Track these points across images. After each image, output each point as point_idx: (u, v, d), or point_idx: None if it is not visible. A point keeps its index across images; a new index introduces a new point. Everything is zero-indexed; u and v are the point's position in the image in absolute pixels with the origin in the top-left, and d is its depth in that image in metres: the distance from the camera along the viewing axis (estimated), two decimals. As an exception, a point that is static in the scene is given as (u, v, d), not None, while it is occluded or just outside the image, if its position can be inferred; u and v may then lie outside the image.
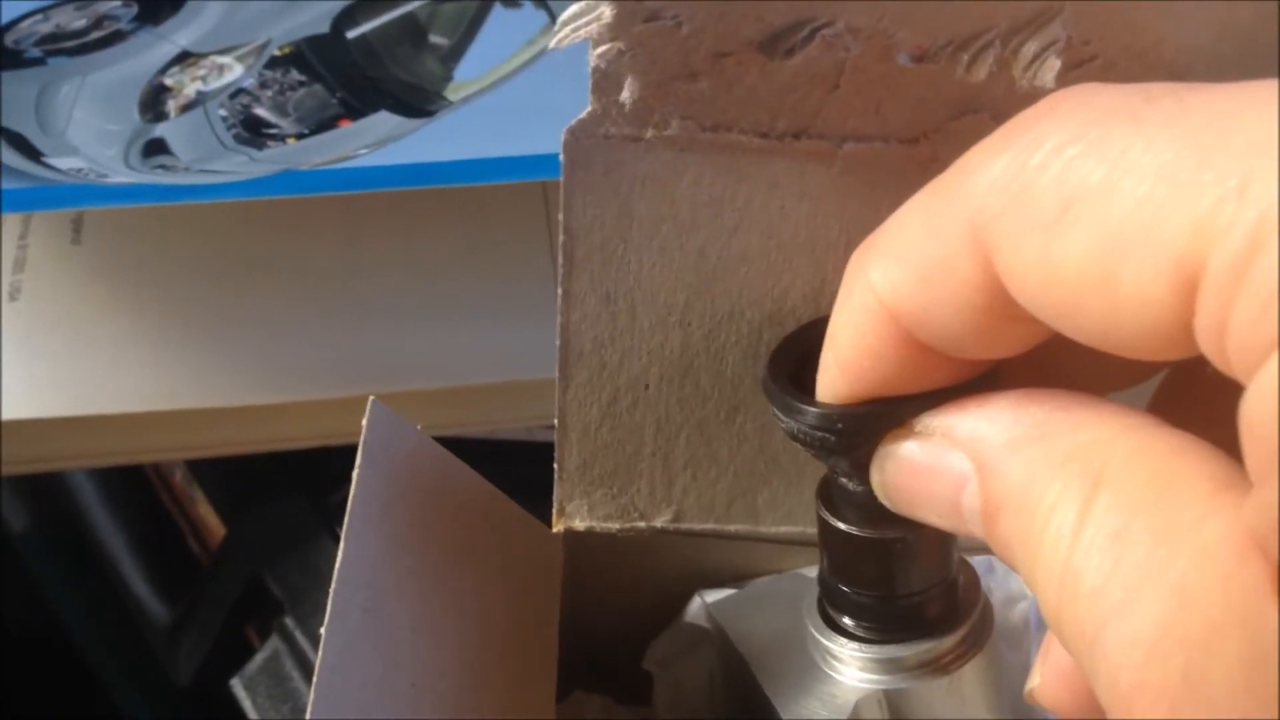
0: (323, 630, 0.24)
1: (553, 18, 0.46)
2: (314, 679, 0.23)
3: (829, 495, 0.25)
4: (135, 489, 0.57)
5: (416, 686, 0.26)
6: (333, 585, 0.24)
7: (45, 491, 0.55)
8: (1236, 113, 0.16)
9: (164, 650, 0.54)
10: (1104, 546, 0.17)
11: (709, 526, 0.31)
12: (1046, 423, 0.19)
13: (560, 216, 0.26)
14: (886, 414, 0.22)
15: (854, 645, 0.26)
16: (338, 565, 0.25)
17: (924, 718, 0.26)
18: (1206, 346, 0.16)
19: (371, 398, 0.26)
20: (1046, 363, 0.22)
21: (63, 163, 0.39)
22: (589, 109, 0.25)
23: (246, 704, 0.44)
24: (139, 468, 0.57)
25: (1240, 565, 0.15)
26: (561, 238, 0.26)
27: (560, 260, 0.26)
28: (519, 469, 0.32)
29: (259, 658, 0.44)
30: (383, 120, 0.41)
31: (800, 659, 0.28)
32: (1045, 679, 0.24)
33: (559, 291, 0.27)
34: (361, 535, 0.25)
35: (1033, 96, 0.24)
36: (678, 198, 0.26)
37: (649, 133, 0.25)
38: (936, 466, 0.21)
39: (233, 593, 0.49)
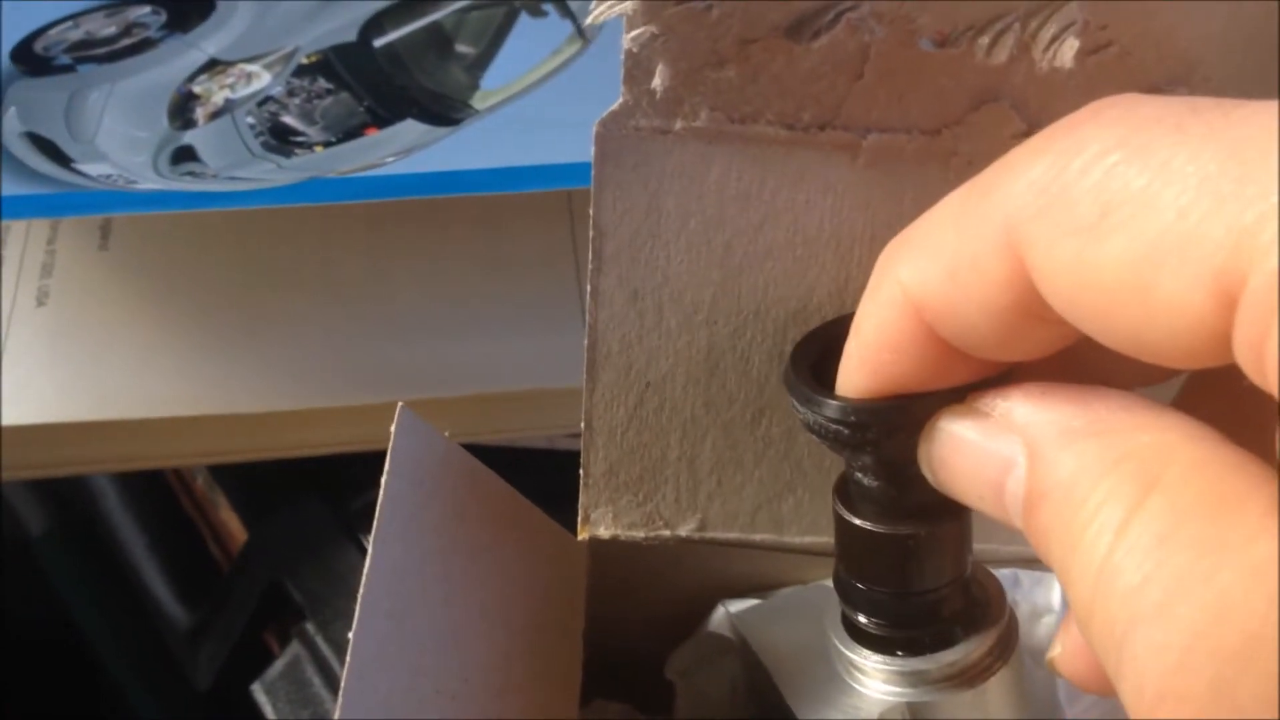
0: (350, 635, 0.24)
1: (578, 27, 0.46)
2: (341, 683, 0.24)
3: (845, 491, 0.25)
4: (156, 493, 0.57)
5: (441, 693, 0.26)
6: (360, 591, 0.24)
7: (66, 495, 0.56)
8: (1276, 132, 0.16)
9: (184, 655, 0.54)
10: (1147, 548, 0.17)
11: (734, 536, 0.31)
12: (1107, 420, 0.19)
13: (590, 211, 0.26)
14: (902, 410, 0.22)
15: (878, 657, 0.26)
16: (365, 571, 0.25)
17: (947, 728, 0.26)
18: (1244, 361, 0.16)
19: (400, 404, 0.26)
20: (1067, 364, 0.22)
21: (92, 169, 0.39)
22: (620, 100, 0.25)
23: (267, 709, 0.44)
24: (160, 471, 0.57)
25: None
26: (591, 233, 0.26)
27: (589, 257, 0.26)
28: (540, 478, 0.32)
29: (280, 663, 0.44)
30: (409, 129, 0.41)
31: (824, 671, 0.28)
32: (1065, 650, 0.24)
33: (587, 289, 0.27)
34: (389, 542, 0.25)
35: (1053, 81, 0.24)
36: (705, 192, 0.26)
37: (678, 124, 0.25)
38: (988, 447, 0.21)
39: (253, 598, 0.49)
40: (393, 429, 0.26)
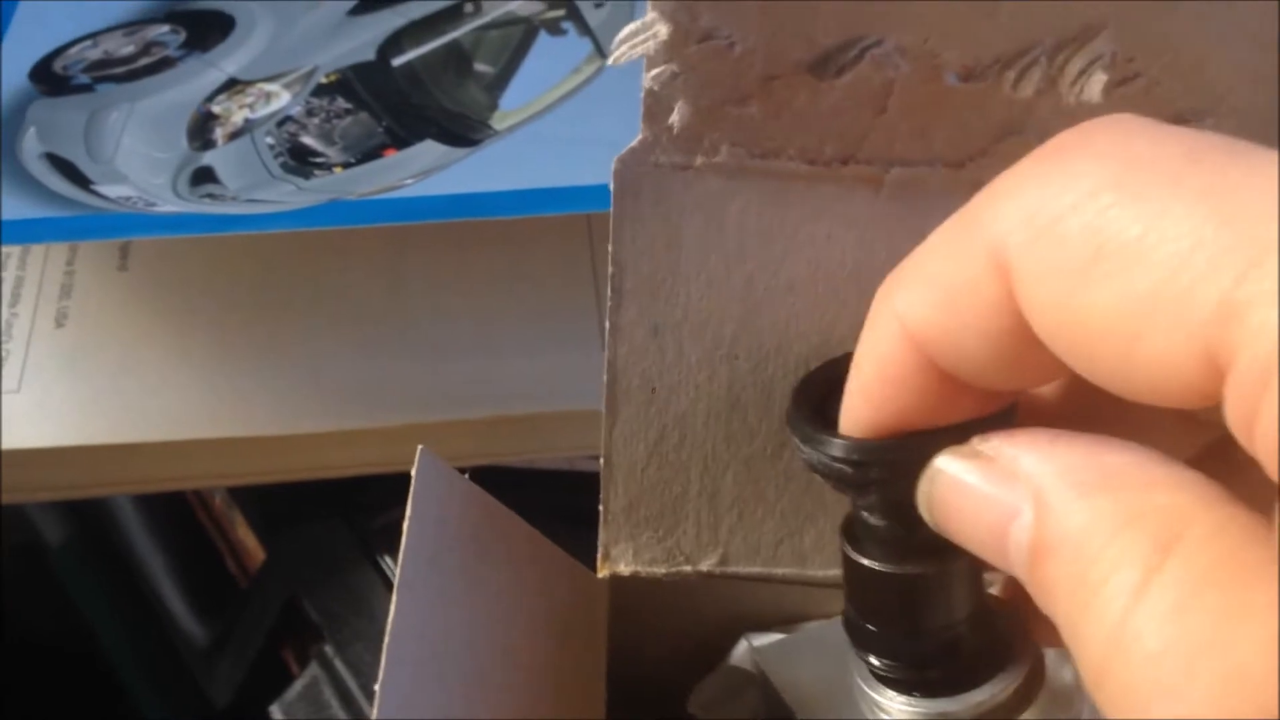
0: (377, 686, 0.24)
1: (597, 45, 0.46)
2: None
3: (852, 531, 0.25)
4: (175, 510, 0.57)
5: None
6: (385, 640, 0.24)
7: (85, 512, 0.56)
8: (1277, 196, 0.16)
9: (202, 671, 0.54)
10: (1166, 615, 0.16)
11: (755, 570, 0.30)
12: (1122, 475, 0.18)
13: (609, 247, 0.26)
14: (906, 448, 0.22)
15: (901, 699, 0.26)
16: (390, 618, 0.24)
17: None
18: (1234, 428, 0.16)
19: (420, 448, 0.26)
20: (1076, 398, 0.22)
21: (111, 190, 0.39)
22: (640, 137, 0.25)
23: (285, 730, 0.44)
24: (179, 490, 0.57)
25: None
26: (610, 269, 0.26)
27: (609, 292, 0.26)
28: (560, 499, 0.32)
29: (298, 685, 0.44)
30: (428, 149, 0.41)
31: (847, 710, 0.27)
32: None
33: (607, 325, 0.27)
34: (413, 587, 0.25)
35: (1079, 116, 0.24)
36: (726, 227, 0.26)
37: (698, 160, 0.25)
38: (992, 493, 0.20)
39: (270, 616, 0.50)
40: (413, 472, 0.26)
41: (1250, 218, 0.16)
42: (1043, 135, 0.24)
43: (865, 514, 0.24)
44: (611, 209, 0.26)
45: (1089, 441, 0.19)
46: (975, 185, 0.25)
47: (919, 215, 0.25)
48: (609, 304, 0.27)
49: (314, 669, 0.44)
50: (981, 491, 0.20)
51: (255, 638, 0.51)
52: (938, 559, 0.24)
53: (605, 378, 0.28)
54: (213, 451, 0.40)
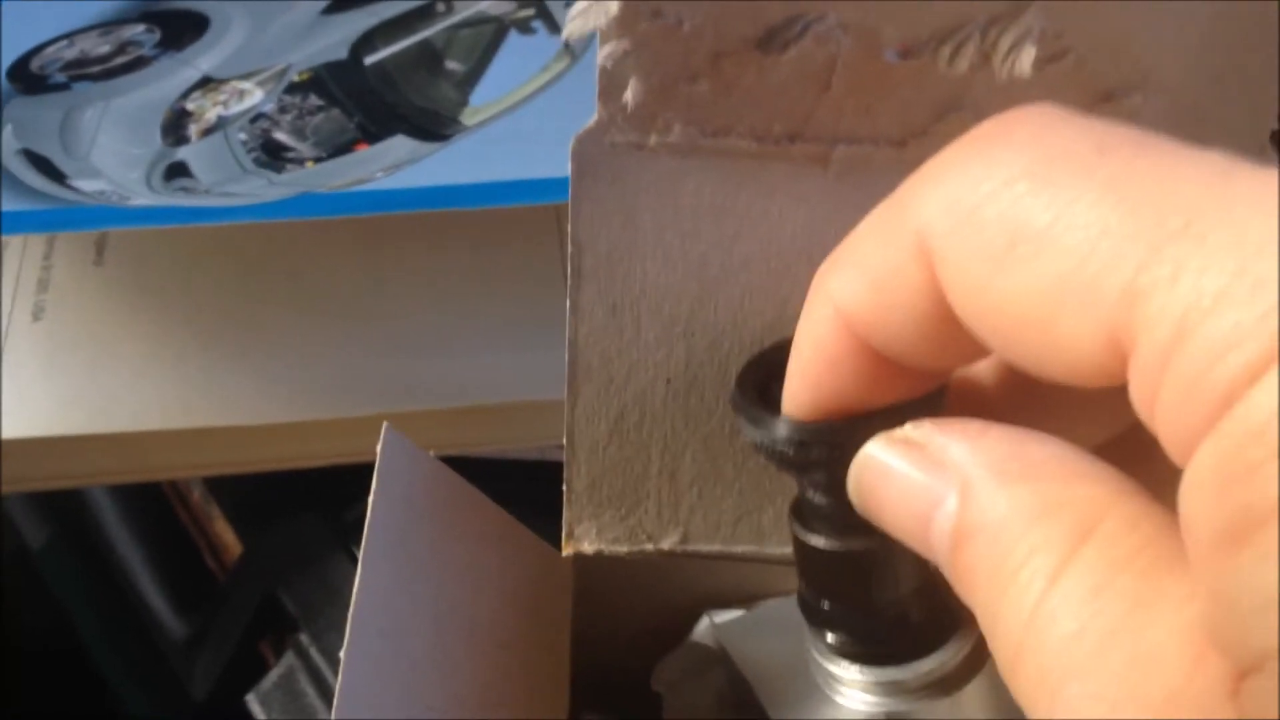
0: (342, 654, 0.24)
1: (567, 44, 0.46)
2: (334, 703, 0.24)
3: (800, 510, 0.26)
4: (153, 505, 0.57)
5: (433, 710, 0.26)
6: (350, 612, 0.25)
7: (63, 507, 0.56)
8: (1181, 186, 0.17)
9: (180, 665, 0.55)
10: (1081, 599, 0.17)
11: (716, 548, 0.31)
12: (1042, 466, 0.19)
13: (569, 227, 0.27)
14: (845, 430, 0.23)
15: (855, 669, 0.27)
16: (355, 592, 0.25)
17: (925, 741, 0.27)
18: (1139, 410, 0.17)
19: (385, 424, 0.27)
20: (1010, 384, 0.23)
21: (86, 185, 0.40)
22: (596, 117, 0.25)
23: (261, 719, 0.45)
24: (157, 485, 0.58)
25: (1195, 665, 0.16)
26: (569, 248, 0.27)
27: (568, 272, 0.27)
28: (530, 488, 0.32)
29: (274, 674, 0.45)
30: (399, 144, 0.42)
31: (804, 683, 0.28)
32: None
33: (568, 304, 0.27)
34: (378, 562, 0.26)
35: (1012, 93, 0.25)
36: (680, 206, 0.27)
37: (652, 139, 0.26)
38: (919, 480, 0.21)
39: (248, 609, 0.50)
40: (379, 448, 0.26)
41: (1153, 207, 0.17)
42: (980, 112, 0.25)
43: (810, 493, 0.25)
44: (570, 189, 0.27)
45: (1016, 434, 0.20)
46: (917, 164, 0.26)
47: (865, 194, 0.26)
48: (569, 284, 0.28)
49: (290, 658, 0.45)
50: (909, 478, 0.21)
51: (233, 632, 0.51)
52: (882, 534, 0.25)
53: (567, 357, 0.29)
54: (188, 442, 0.41)
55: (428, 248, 0.44)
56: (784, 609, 0.31)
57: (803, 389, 0.23)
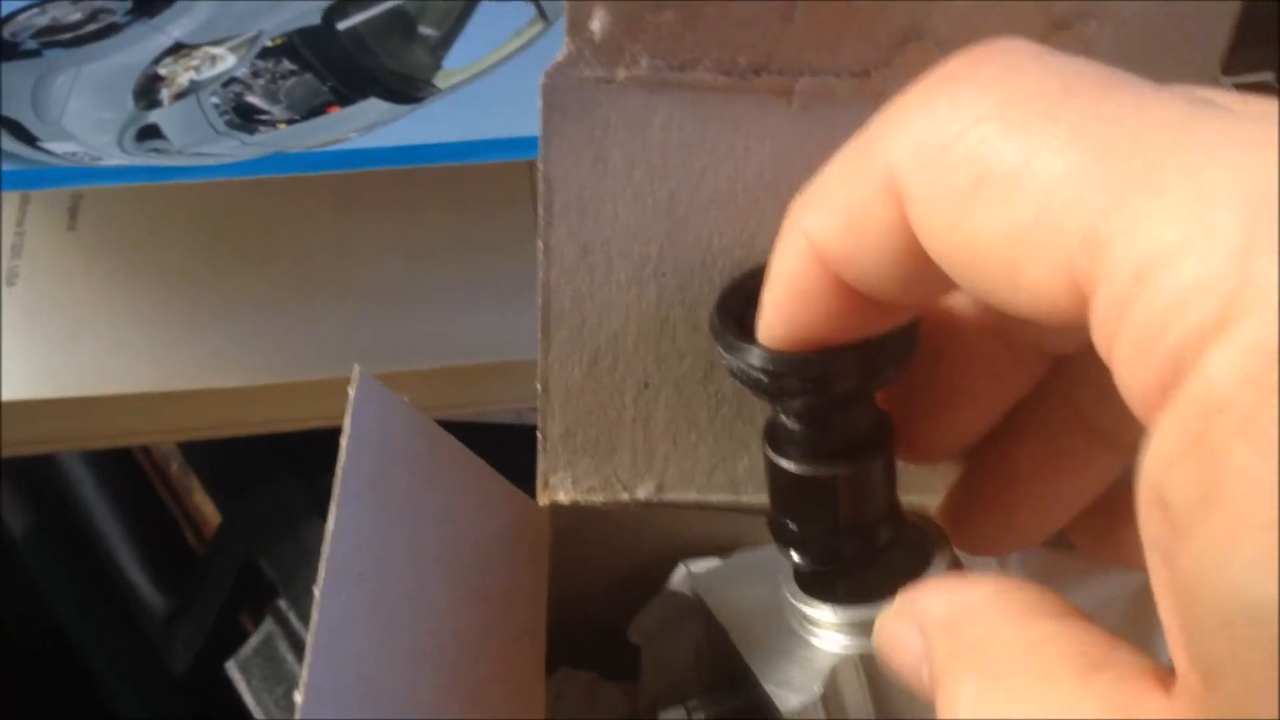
0: (316, 593, 0.24)
1: (540, 9, 0.46)
2: (310, 644, 0.24)
3: (773, 435, 0.26)
4: (131, 480, 0.57)
5: (413, 653, 0.26)
6: (324, 553, 0.25)
7: (42, 483, 0.56)
8: (1145, 134, 0.17)
9: (161, 639, 0.55)
10: None
11: (691, 497, 0.31)
12: (961, 610, 0.21)
13: (539, 165, 0.27)
14: (817, 363, 0.23)
15: (829, 609, 0.27)
16: (329, 534, 0.25)
17: (899, 681, 0.27)
18: (1100, 351, 0.17)
19: (358, 368, 0.27)
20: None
21: (58, 147, 0.40)
22: (564, 51, 0.26)
23: (241, 687, 0.45)
24: (135, 460, 0.58)
25: None
26: (540, 187, 0.27)
27: (540, 212, 0.27)
28: (508, 452, 0.32)
29: (253, 640, 0.45)
30: (372, 106, 0.42)
31: (779, 628, 0.28)
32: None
33: (539, 245, 0.27)
34: (352, 505, 0.26)
35: (971, 18, 0.25)
36: (649, 142, 0.27)
37: (620, 73, 0.26)
38: (905, 639, 0.23)
39: (228, 579, 0.50)
40: (351, 393, 0.26)
41: (1117, 153, 0.17)
42: (940, 41, 0.26)
43: (784, 419, 0.26)
44: (540, 125, 0.27)
45: (953, 582, 0.22)
46: (880, 97, 0.26)
47: (829, 127, 0.27)
48: (541, 224, 0.28)
49: (269, 624, 0.45)
50: (898, 638, 0.23)
51: (213, 603, 0.51)
52: (852, 460, 0.26)
53: (539, 300, 0.29)
54: (164, 405, 0.41)
55: (402, 210, 0.44)
56: (759, 558, 0.31)
57: (777, 321, 0.24)
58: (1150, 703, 0.17)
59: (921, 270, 0.21)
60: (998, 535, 0.29)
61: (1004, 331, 0.27)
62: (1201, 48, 0.27)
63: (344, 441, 0.26)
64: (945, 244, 0.19)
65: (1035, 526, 0.29)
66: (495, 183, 0.44)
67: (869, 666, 0.27)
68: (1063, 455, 0.28)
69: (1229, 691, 0.15)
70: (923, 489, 0.32)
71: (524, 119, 0.40)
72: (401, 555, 0.27)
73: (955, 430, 0.28)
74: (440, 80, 0.44)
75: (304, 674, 0.23)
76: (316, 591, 0.24)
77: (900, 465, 0.31)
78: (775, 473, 0.26)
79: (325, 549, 0.25)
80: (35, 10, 0.47)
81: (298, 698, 0.23)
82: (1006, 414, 0.28)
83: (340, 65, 0.44)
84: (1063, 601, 0.21)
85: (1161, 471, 0.16)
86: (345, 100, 0.42)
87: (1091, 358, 0.27)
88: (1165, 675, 0.18)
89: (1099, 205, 0.17)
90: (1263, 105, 0.17)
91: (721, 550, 0.33)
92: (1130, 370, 0.16)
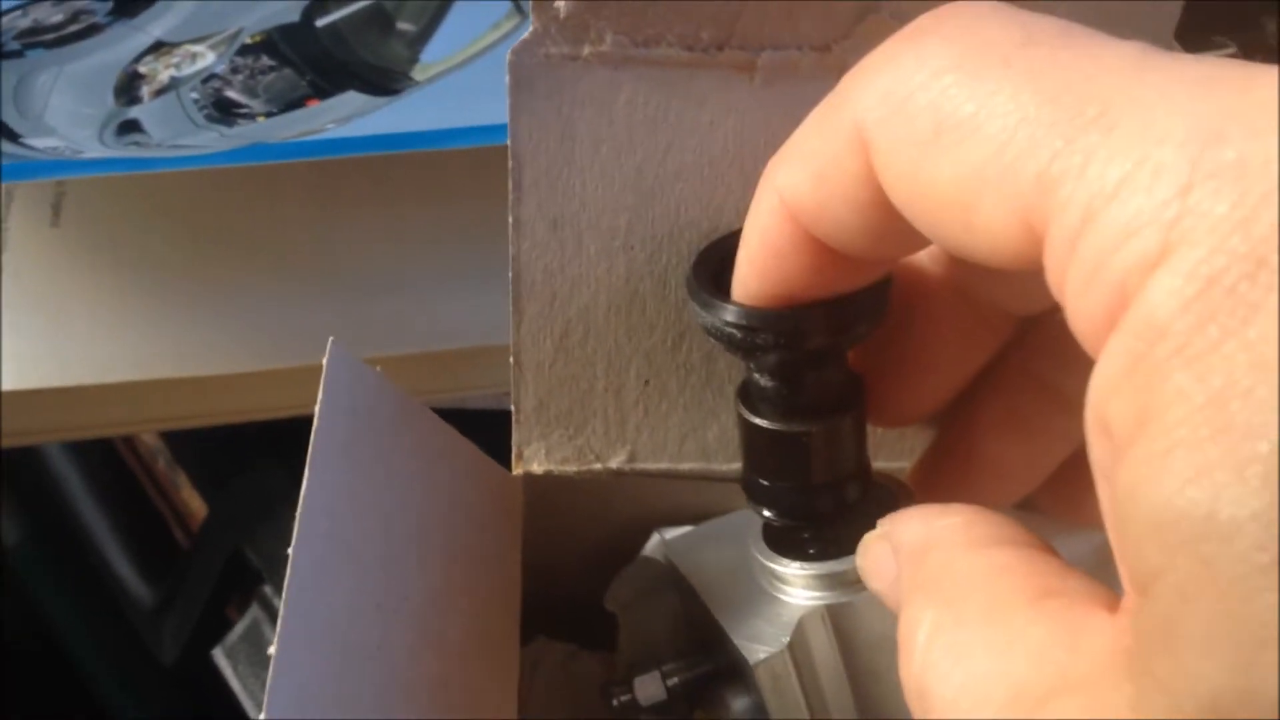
0: (289, 551, 0.25)
1: (516, 3, 0.47)
2: (282, 599, 0.25)
3: (746, 393, 0.27)
4: (119, 477, 0.58)
5: (383, 609, 0.27)
6: (298, 511, 0.25)
7: (30, 483, 0.56)
8: (1098, 78, 0.18)
9: (149, 632, 0.55)
10: (951, 663, 0.20)
11: (663, 466, 0.32)
12: (930, 538, 0.22)
13: (508, 142, 0.27)
14: (790, 318, 0.24)
15: (796, 564, 0.28)
16: (302, 493, 0.26)
17: (866, 630, 0.27)
18: (1053, 291, 0.18)
19: (331, 339, 0.27)
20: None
21: (39, 142, 0.40)
22: (531, 28, 0.26)
23: (228, 673, 0.45)
24: (121, 458, 0.58)
25: (1069, 654, 0.18)
26: (509, 163, 0.27)
27: (509, 187, 0.28)
28: (487, 437, 0.33)
29: (239, 627, 0.45)
30: (350, 99, 0.43)
31: (749, 586, 0.29)
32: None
33: (509, 220, 0.28)
34: (324, 469, 0.26)
35: None
36: (615, 117, 0.27)
37: (585, 50, 0.26)
38: (882, 561, 0.24)
39: (214, 570, 0.50)
40: (324, 361, 0.27)
41: (1070, 97, 0.18)
42: (897, 13, 0.26)
43: (757, 376, 0.26)
44: (508, 102, 0.27)
45: (928, 510, 0.23)
46: (841, 70, 0.27)
47: (792, 101, 0.27)
48: (510, 198, 0.28)
49: (254, 610, 0.45)
50: (879, 560, 0.24)
51: (200, 594, 0.51)
52: (823, 418, 0.26)
53: (510, 274, 0.29)
54: (147, 394, 0.41)
55: (382, 198, 0.45)
56: (730, 523, 0.32)
57: (751, 277, 0.24)
58: (1095, 622, 0.18)
59: (888, 222, 0.21)
60: (966, 500, 0.30)
61: (970, 294, 0.27)
62: (1155, 16, 0.28)
63: (317, 410, 0.27)
64: (907, 190, 0.20)
65: (1003, 491, 0.30)
66: (474, 172, 0.44)
67: (836, 617, 0.27)
68: (1028, 421, 0.29)
69: (1162, 599, 0.16)
70: (894, 455, 0.32)
71: (500, 108, 0.41)
72: (373, 515, 0.27)
73: (924, 394, 0.29)
74: (418, 73, 0.44)
75: (278, 626, 0.24)
76: (290, 549, 0.25)
77: (871, 431, 0.32)
78: (749, 430, 0.27)
79: (299, 508, 0.25)
80: (17, 13, 0.47)
81: (272, 650, 0.23)
82: (973, 379, 0.29)
83: (319, 60, 0.45)
84: (1025, 532, 0.21)
85: (1104, 397, 0.16)
86: (324, 94, 0.43)
87: (1053, 322, 0.28)
88: (1114, 600, 0.18)
89: (1051, 146, 0.17)
90: (1212, 58, 0.18)
91: (694, 519, 0.33)
92: (1079, 304, 0.17)
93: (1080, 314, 0.17)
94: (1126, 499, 0.16)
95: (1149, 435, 0.15)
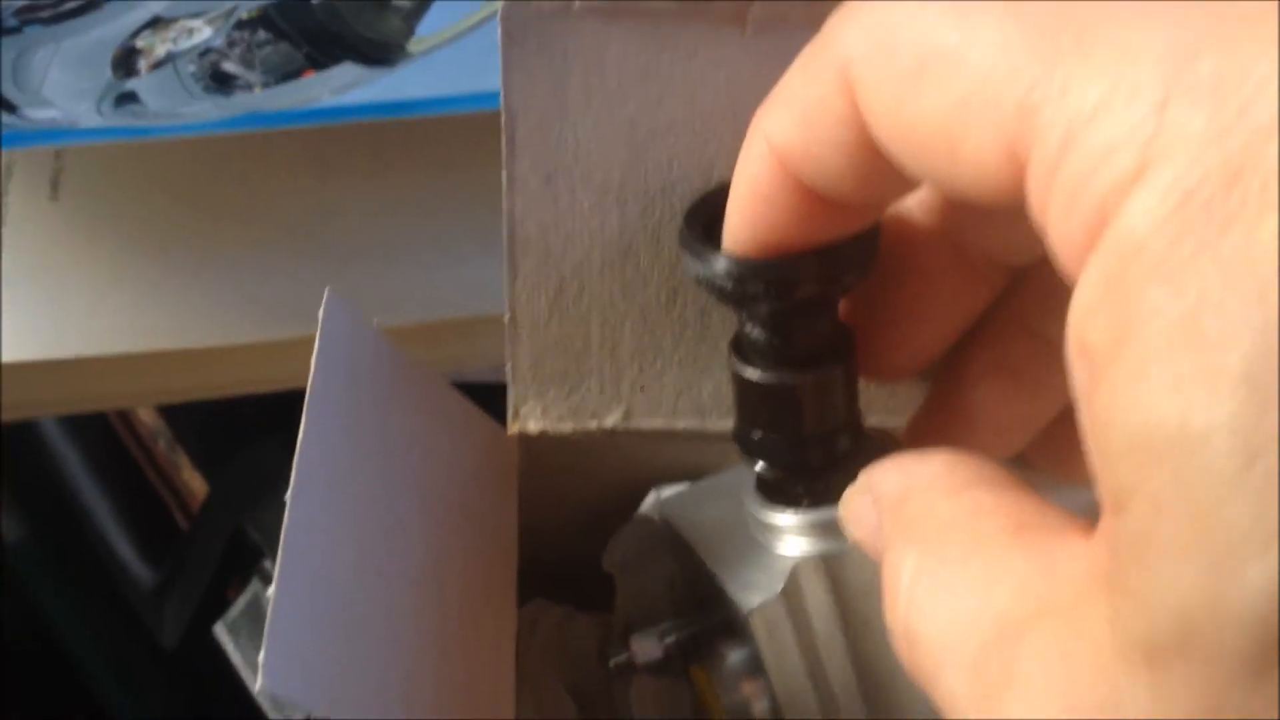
0: (287, 497, 0.25)
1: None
2: (279, 553, 0.25)
3: (738, 345, 0.27)
4: (119, 460, 0.58)
5: (382, 573, 0.27)
6: (294, 464, 0.26)
7: (29, 467, 0.57)
8: (1077, 7, 0.18)
9: (151, 616, 0.55)
10: (936, 602, 0.20)
11: (658, 424, 0.32)
12: (909, 485, 0.22)
13: (501, 97, 0.27)
14: (780, 267, 0.24)
15: (789, 514, 0.28)
16: (299, 447, 0.26)
17: (859, 578, 0.27)
18: (1036, 221, 0.18)
19: (328, 290, 0.27)
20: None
21: (37, 114, 0.40)
22: None
23: (230, 648, 0.45)
24: (122, 441, 0.58)
25: (1048, 582, 0.18)
26: (502, 118, 0.27)
27: (503, 143, 0.28)
28: (485, 410, 0.33)
29: (240, 602, 0.46)
30: (346, 70, 0.43)
31: (744, 539, 0.29)
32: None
33: (503, 176, 0.28)
34: (321, 422, 0.26)
35: None
36: (606, 70, 0.27)
37: (576, 3, 0.26)
38: (863, 513, 0.24)
39: (216, 549, 0.50)
40: (320, 314, 0.27)
41: (1051, 26, 0.18)
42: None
43: (748, 328, 0.26)
44: (500, 57, 0.27)
45: (907, 459, 0.23)
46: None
47: (783, 52, 0.27)
48: (504, 154, 0.29)
49: (255, 585, 0.45)
50: (860, 511, 0.24)
51: (202, 575, 0.52)
52: (814, 368, 0.26)
53: (504, 231, 0.29)
54: (146, 366, 0.42)
55: (378, 168, 0.45)
56: (724, 481, 0.32)
57: (740, 226, 0.24)
58: (1072, 548, 0.18)
59: (874, 164, 0.21)
60: None
61: (961, 245, 0.27)
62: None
63: (313, 362, 0.27)
64: (892, 126, 0.20)
65: (994, 446, 0.30)
66: (472, 141, 0.44)
67: (830, 566, 0.27)
68: (1019, 373, 0.29)
69: (1137, 513, 0.16)
70: (887, 413, 0.33)
71: (494, 77, 0.41)
72: (369, 467, 0.27)
73: (916, 348, 0.29)
74: (414, 46, 0.44)
75: (275, 574, 0.24)
76: (286, 500, 0.25)
77: (865, 388, 0.32)
78: (741, 383, 0.27)
79: (294, 462, 0.26)
80: (15, -9, 0.47)
81: (269, 594, 0.23)
82: (965, 333, 0.29)
83: (315, 34, 0.45)
84: (1004, 473, 0.21)
85: (1083, 319, 0.16)
86: (320, 65, 0.43)
87: (1045, 274, 0.28)
88: (1092, 529, 0.18)
89: (1031, 74, 0.17)
90: None
91: (691, 477, 0.33)
92: (1060, 230, 0.17)
93: (1062, 240, 0.17)
94: (1104, 418, 0.16)
95: (1125, 353, 0.16)
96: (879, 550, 0.22)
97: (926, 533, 0.21)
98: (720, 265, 0.25)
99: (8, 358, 0.41)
